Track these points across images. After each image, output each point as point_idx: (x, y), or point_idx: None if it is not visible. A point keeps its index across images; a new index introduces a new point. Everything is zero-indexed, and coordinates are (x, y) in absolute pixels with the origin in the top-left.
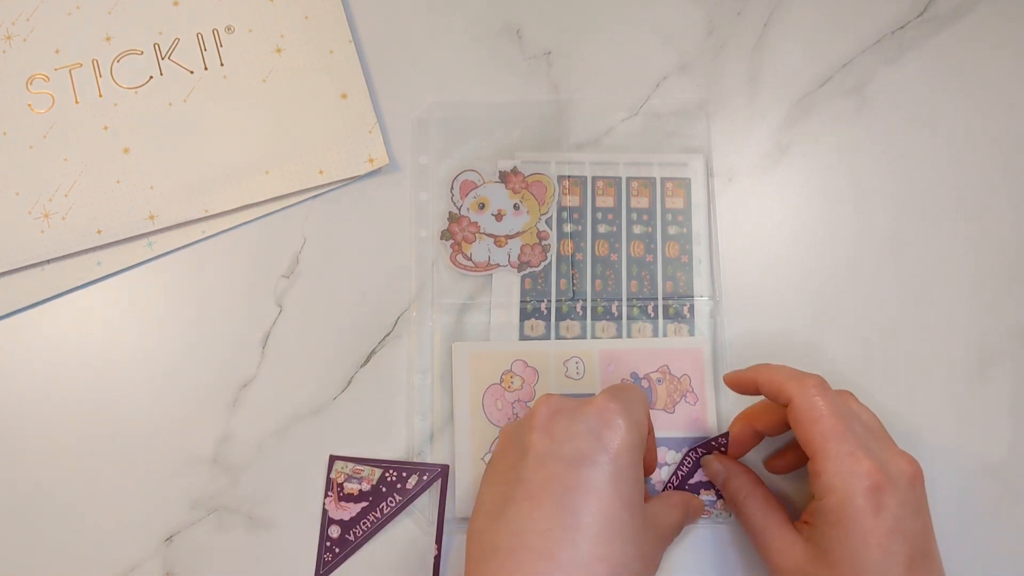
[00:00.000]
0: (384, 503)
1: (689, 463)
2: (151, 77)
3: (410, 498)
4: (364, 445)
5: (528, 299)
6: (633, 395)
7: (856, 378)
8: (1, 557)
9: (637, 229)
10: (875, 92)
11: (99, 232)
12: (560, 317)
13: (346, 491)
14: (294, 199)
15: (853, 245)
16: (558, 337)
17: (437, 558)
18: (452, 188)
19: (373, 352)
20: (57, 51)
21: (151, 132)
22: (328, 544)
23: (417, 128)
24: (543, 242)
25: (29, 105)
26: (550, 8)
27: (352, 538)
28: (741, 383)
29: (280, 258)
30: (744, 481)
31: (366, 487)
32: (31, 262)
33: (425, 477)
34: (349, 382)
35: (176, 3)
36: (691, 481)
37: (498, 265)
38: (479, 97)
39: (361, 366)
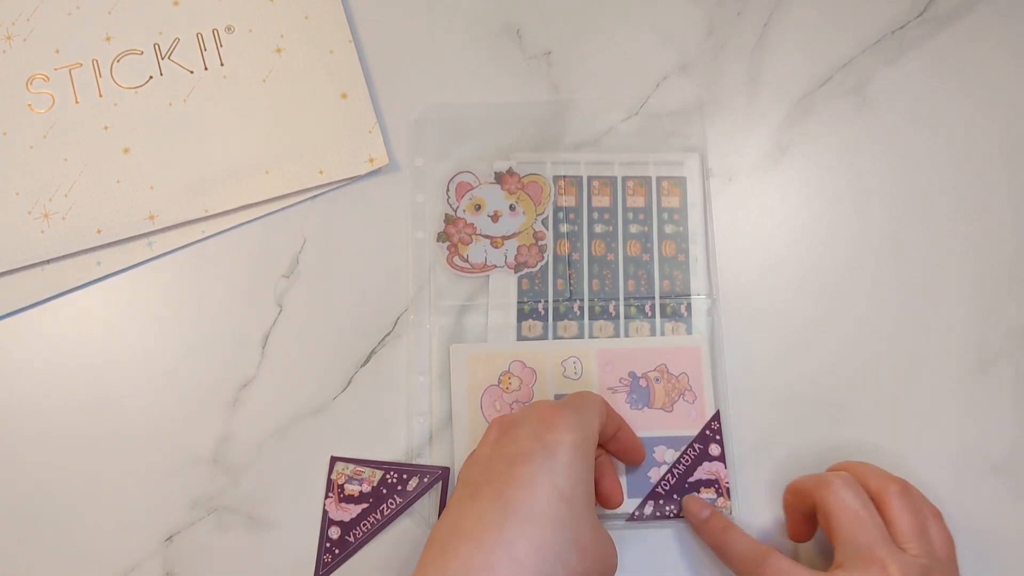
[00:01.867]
0: (384, 505)
1: (687, 461)
2: (151, 77)
3: (410, 500)
4: (364, 445)
5: (525, 300)
6: (584, 399)
7: (856, 378)
8: (1, 557)
9: (633, 228)
10: (875, 92)
11: (99, 232)
12: (558, 317)
13: (346, 492)
14: (294, 199)
15: (853, 245)
16: (556, 337)
17: None
18: (448, 190)
19: (373, 352)
20: (57, 51)
21: (151, 132)
22: (328, 545)
23: (413, 130)
24: (540, 243)
25: (29, 105)
26: (550, 8)
27: (352, 539)
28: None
29: (280, 258)
30: (723, 519)
31: (367, 488)
32: (31, 262)
33: (426, 479)
34: (349, 382)
35: (176, 3)
36: (690, 479)
37: (495, 266)
38: (479, 97)
39: (361, 366)
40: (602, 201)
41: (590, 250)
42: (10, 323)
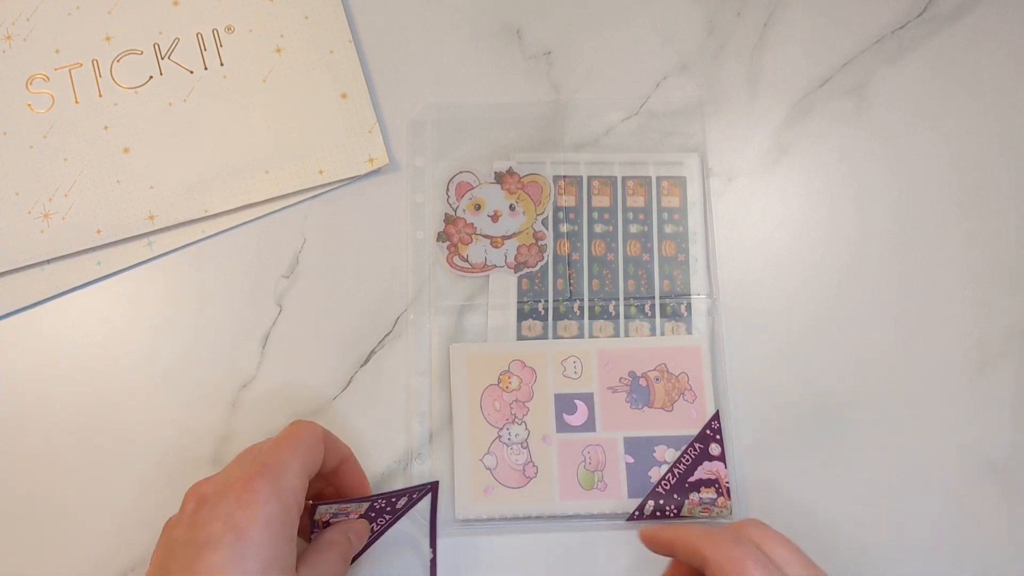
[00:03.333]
0: (374, 524)
1: (687, 460)
2: (151, 77)
3: (400, 515)
4: (363, 445)
5: (525, 300)
6: (292, 445)
7: (856, 378)
8: (1, 557)
9: (633, 228)
10: (875, 92)
11: (99, 232)
12: (557, 317)
13: (332, 524)
14: (294, 199)
15: (853, 245)
16: (556, 337)
17: (433, 561)
18: (448, 189)
19: (373, 352)
20: (57, 51)
21: (151, 132)
22: None
23: (412, 130)
24: (539, 242)
25: (29, 105)
26: (550, 8)
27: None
28: (656, 542)
29: (280, 258)
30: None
31: (354, 518)
32: (31, 262)
33: (415, 496)
34: (349, 382)
35: (176, 3)
36: (690, 479)
37: (495, 266)
38: (479, 97)
39: (361, 366)
40: (602, 201)
41: (590, 250)
42: (10, 323)
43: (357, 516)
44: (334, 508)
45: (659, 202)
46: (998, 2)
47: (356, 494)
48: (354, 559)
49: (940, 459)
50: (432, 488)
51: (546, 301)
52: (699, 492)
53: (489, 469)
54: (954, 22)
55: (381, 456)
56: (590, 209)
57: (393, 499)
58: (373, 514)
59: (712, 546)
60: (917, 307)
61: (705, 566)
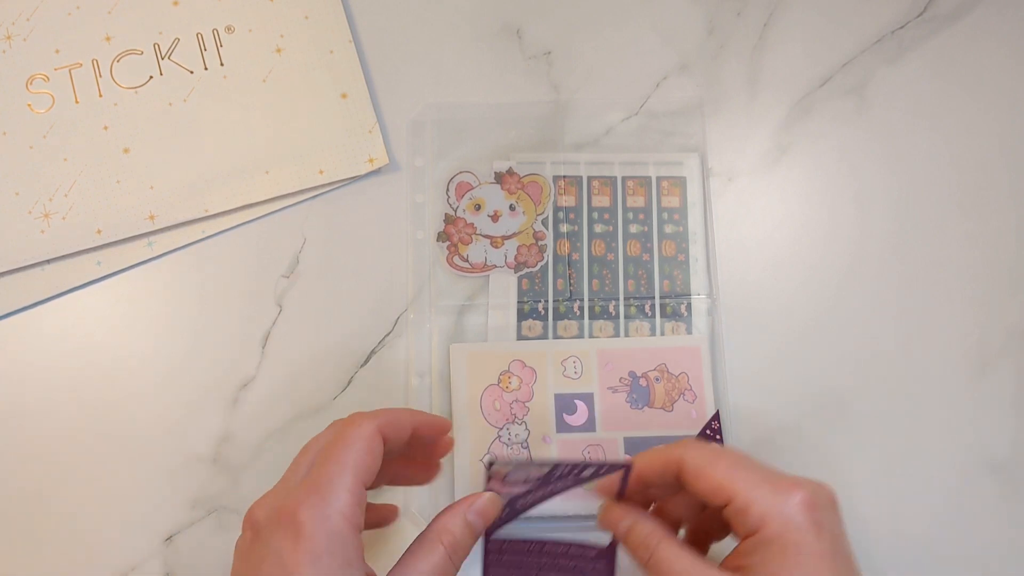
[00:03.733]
0: (550, 487)
1: None
2: (151, 77)
3: (580, 484)
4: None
5: (525, 300)
6: (338, 464)
7: (856, 378)
8: (1, 557)
9: (633, 228)
10: (875, 92)
11: (99, 232)
12: (557, 317)
13: (509, 480)
14: (294, 199)
15: (853, 245)
16: (556, 337)
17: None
18: (448, 190)
19: (373, 352)
20: (57, 51)
21: (151, 132)
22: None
23: (412, 130)
24: (539, 242)
25: (29, 105)
26: (550, 8)
27: (519, 507)
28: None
29: (280, 258)
30: (653, 526)
31: (532, 480)
32: (31, 262)
33: (603, 470)
34: (349, 382)
35: (176, 3)
36: None
37: (495, 266)
38: (479, 97)
39: (361, 366)
40: (602, 201)
41: (590, 250)
42: (10, 323)
43: (538, 477)
44: (511, 466)
45: (659, 202)
46: (998, 2)
47: (439, 451)
48: (495, 528)
49: (940, 459)
50: (626, 468)
51: (546, 301)
52: None
53: None
54: (954, 22)
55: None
56: (590, 209)
57: (579, 469)
58: (554, 477)
59: (685, 449)
60: (917, 307)
61: (682, 468)
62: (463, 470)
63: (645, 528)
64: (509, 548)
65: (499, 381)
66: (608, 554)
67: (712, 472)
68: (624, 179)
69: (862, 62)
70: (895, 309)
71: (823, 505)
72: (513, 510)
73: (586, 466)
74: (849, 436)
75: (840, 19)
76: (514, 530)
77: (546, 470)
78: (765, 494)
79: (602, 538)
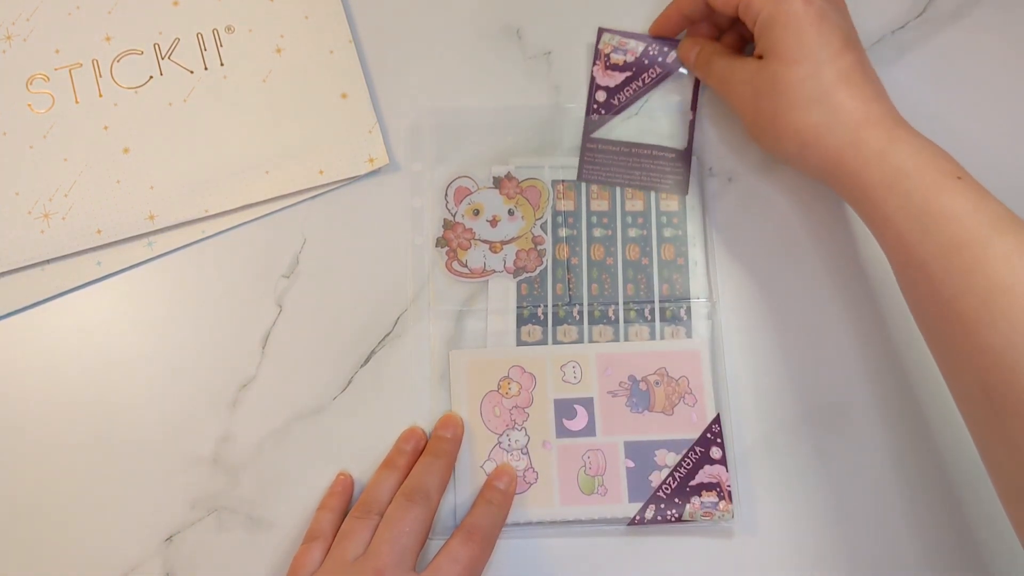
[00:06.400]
0: (645, 74)
1: (688, 464)
2: (151, 77)
3: (669, 71)
4: (364, 445)
5: (525, 305)
6: (405, 527)
7: (856, 378)
8: (1, 557)
9: (632, 232)
10: None
11: (99, 232)
12: (557, 322)
13: (612, 61)
14: (294, 199)
15: (853, 246)
16: (555, 342)
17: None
18: (446, 195)
19: (373, 352)
20: (57, 51)
21: (151, 132)
22: (595, 107)
23: (410, 135)
24: (538, 247)
25: (29, 105)
26: (550, 8)
27: (616, 103)
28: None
29: (280, 258)
30: (712, 47)
31: (630, 59)
32: (31, 262)
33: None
34: (349, 382)
35: (176, 3)
36: (691, 483)
37: (494, 271)
38: (479, 97)
39: (361, 366)
40: (601, 205)
41: (589, 254)
42: (10, 323)
43: (634, 56)
44: (616, 40)
45: (658, 206)
46: (998, 2)
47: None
48: (624, 107)
49: (940, 460)
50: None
51: (545, 306)
52: (700, 496)
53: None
54: (954, 22)
55: (381, 457)
56: (589, 213)
57: (665, 48)
58: (646, 60)
59: None
60: None
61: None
62: (464, 477)
63: (707, 48)
64: (603, 147)
65: (499, 387)
66: (685, 155)
67: None
68: None
69: None
70: (895, 310)
71: None
72: (611, 106)
73: (671, 46)
74: (850, 438)
75: None
76: (608, 132)
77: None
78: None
79: (680, 142)
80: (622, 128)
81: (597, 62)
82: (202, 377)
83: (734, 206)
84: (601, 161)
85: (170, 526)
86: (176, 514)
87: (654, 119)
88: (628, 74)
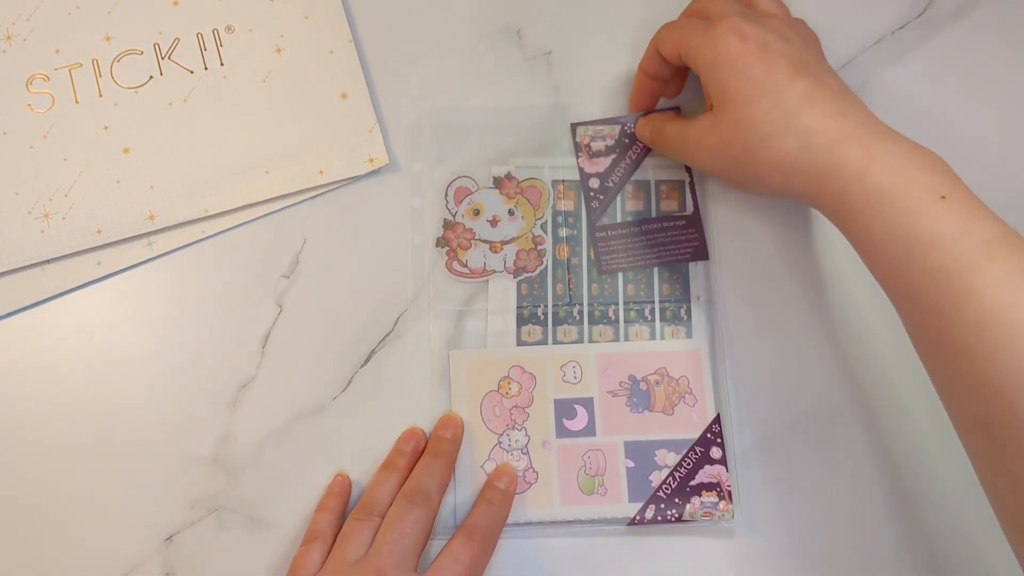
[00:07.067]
0: (630, 152)
1: (688, 464)
2: (151, 77)
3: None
4: (365, 445)
5: (525, 305)
6: (407, 528)
7: (857, 379)
8: (1, 557)
9: None
10: (875, 93)
11: (99, 232)
12: (557, 322)
13: (594, 149)
14: (294, 199)
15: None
16: (555, 342)
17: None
18: (446, 195)
19: (373, 352)
20: (57, 51)
21: (151, 132)
22: (592, 194)
23: (410, 135)
24: (539, 247)
25: (29, 105)
26: (550, 8)
27: (611, 184)
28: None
29: (280, 258)
30: (663, 116)
31: (610, 142)
32: (31, 262)
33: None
34: (349, 382)
35: (176, 3)
36: (691, 483)
37: (494, 271)
38: (479, 97)
39: (361, 366)
40: None
41: (589, 254)
42: (10, 323)
43: (612, 139)
44: (591, 131)
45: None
46: (998, 2)
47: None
48: (617, 193)
49: (940, 462)
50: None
51: (545, 306)
52: (700, 496)
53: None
54: (954, 22)
55: (381, 457)
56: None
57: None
58: (626, 139)
59: (661, 34)
60: None
61: (689, 55)
62: (464, 477)
63: (657, 120)
64: (613, 232)
65: (499, 387)
66: (694, 219)
67: (669, 36)
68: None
69: (862, 63)
70: (896, 312)
71: (751, 22)
72: (607, 190)
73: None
74: (850, 439)
75: (840, 20)
76: (614, 216)
77: (617, 130)
78: (699, 32)
79: (686, 207)
80: (626, 208)
81: (580, 154)
82: (202, 377)
83: (735, 206)
84: (616, 248)
85: (170, 526)
86: (176, 514)
87: (654, 191)
88: (613, 156)
